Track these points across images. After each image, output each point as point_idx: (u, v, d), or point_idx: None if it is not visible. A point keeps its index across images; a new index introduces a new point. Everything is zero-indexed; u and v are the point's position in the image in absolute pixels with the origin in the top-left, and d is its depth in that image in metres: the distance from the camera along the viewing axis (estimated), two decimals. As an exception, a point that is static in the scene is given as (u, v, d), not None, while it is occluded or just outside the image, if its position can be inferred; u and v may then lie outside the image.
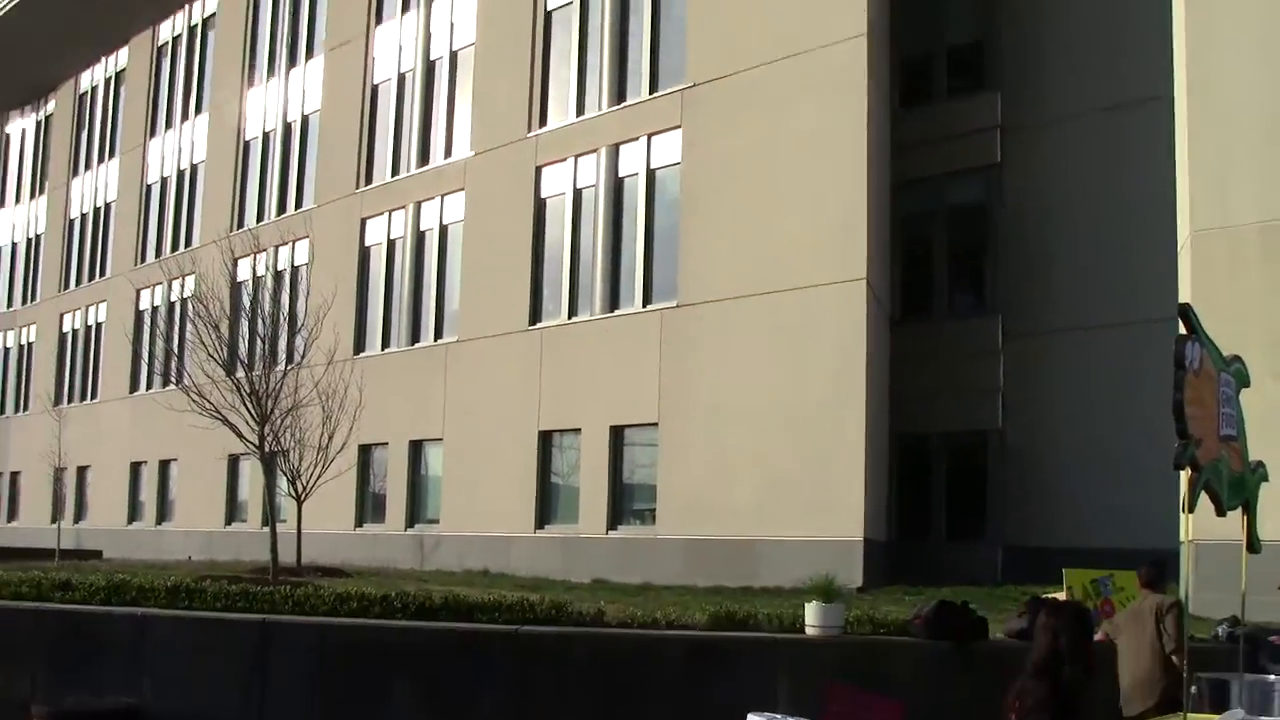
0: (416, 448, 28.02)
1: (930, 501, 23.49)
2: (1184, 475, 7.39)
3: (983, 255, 24.09)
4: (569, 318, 25.05)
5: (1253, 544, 8.76)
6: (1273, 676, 9.42)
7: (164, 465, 36.67)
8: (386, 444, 28.28)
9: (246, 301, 23.75)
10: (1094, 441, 21.61)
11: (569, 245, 25.31)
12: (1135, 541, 16.62)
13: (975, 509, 22.93)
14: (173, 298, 36.93)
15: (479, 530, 25.03)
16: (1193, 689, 9.02)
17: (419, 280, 29.05)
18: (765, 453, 20.82)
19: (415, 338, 28.87)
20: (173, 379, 26.03)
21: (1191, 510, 7.59)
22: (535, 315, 25.60)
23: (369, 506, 29.03)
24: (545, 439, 24.93)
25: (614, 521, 23.40)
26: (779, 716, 10.39)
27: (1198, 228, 17.44)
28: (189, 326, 22.94)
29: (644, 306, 23.68)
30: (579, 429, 24.17)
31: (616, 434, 23.64)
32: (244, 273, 27.45)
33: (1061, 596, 12.11)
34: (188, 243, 37.76)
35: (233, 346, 21.12)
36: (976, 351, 23.19)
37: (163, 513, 36.93)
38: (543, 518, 24.68)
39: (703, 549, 21.26)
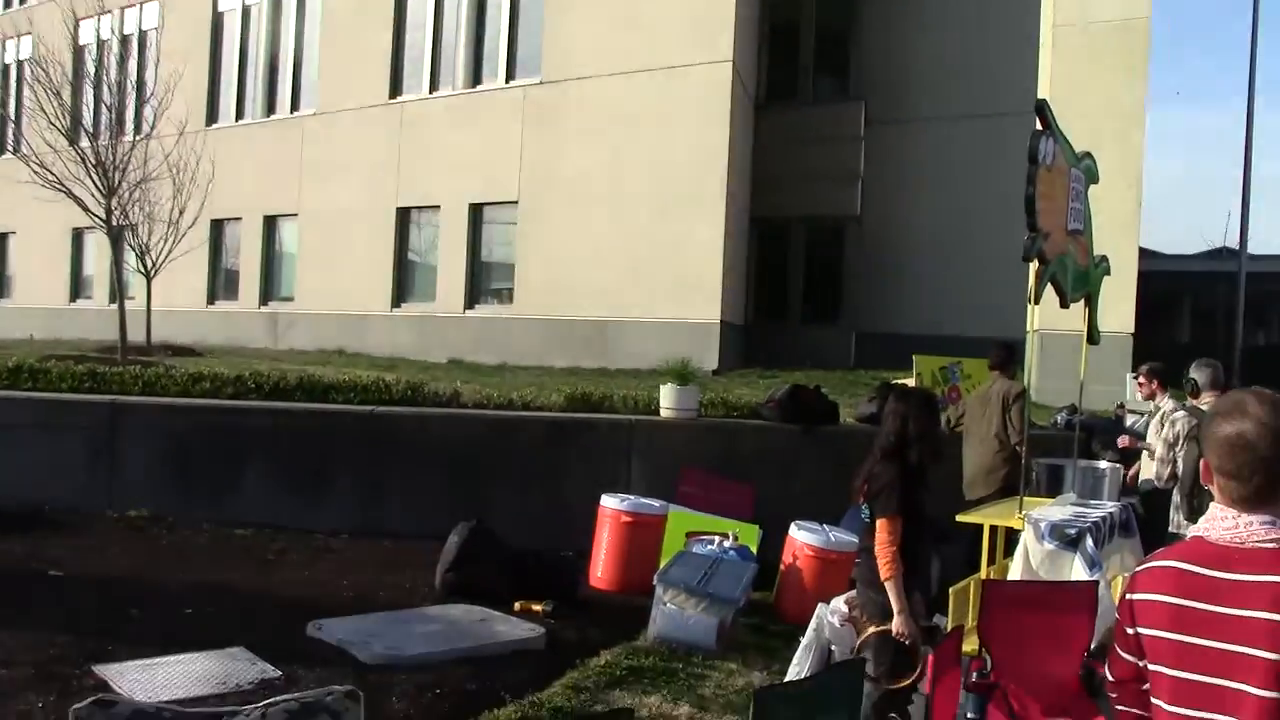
0: (271, 223, 27.37)
1: (787, 286, 23.73)
2: (1032, 267, 7.54)
3: (847, 41, 23.97)
4: (430, 92, 24.40)
5: (1093, 335, 9.03)
6: (1104, 463, 9.81)
7: (1, 238, 35.38)
8: (240, 219, 27.57)
9: (91, 67, 22.67)
10: (949, 231, 21.99)
11: (431, 17, 24.50)
12: (984, 330, 17.07)
13: (831, 294, 23.28)
14: (7, 59, 35.11)
15: (334, 309, 24.72)
16: (1032, 474, 9.40)
17: (275, 49, 27.94)
18: (625, 233, 20.73)
19: (271, 109, 27.92)
20: (9, 147, 24.98)
21: (1037, 301, 7.76)
22: (395, 89, 24.87)
23: (221, 283, 28.44)
24: (403, 216, 24.50)
25: (472, 301, 23.22)
26: (632, 498, 10.63)
27: (1058, 23, 17.56)
28: (26, 91, 21.87)
29: (507, 83, 23.14)
30: (438, 206, 23.77)
31: (476, 212, 23.30)
32: (88, 35, 26.16)
33: (911, 382, 12.40)
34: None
35: (76, 114, 20.27)
36: (839, 137, 23.21)
37: (0, 289, 35.79)
38: (399, 296, 24.40)
39: (561, 329, 21.28)
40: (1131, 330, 18.20)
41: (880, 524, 6.54)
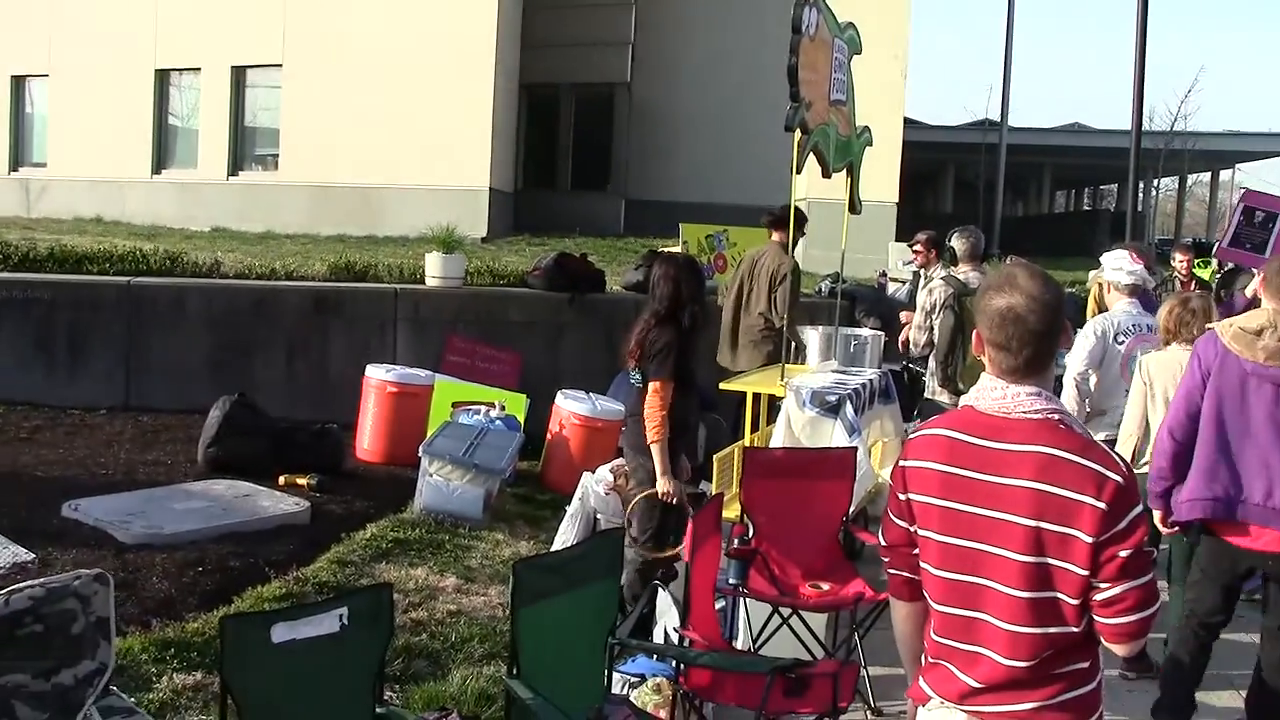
0: (19, 83, 25.74)
1: (557, 153, 23.56)
2: (795, 136, 7.54)
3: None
4: (186, -53, 23.20)
5: (854, 205, 9.12)
6: (865, 330, 9.99)
7: None
8: (-16, 79, 25.94)
9: None
10: (717, 99, 22.03)
11: None
12: (753, 199, 17.19)
13: (601, 162, 23.18)
14: None
15: (91, 175, 23.48)
16: (794, 344, 9.52)
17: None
18: (393, 98, 20.15)
19: (14, -41, 26.16)
20: None
21: (799, 171, 7.79)
22: (150, -60, 23.56)
23: (-36, 148, 26.78)
24: (163, 78, 23.34)
25: (235, 167, 22.42)
26: (398, 368, 10.47)
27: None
28: None
29: (266, -63, 22.14)
30: (199, 68, 22.73)
31: (238, 74, 22.35)
32: None
33: (677, 250, 12.44)
34: None
35: None
36: (609, 3, 22.93)
37: None
38: (160, 162, 23.35)
39: (327, 196, 20.70)
40: (895, 200, 18.61)
41: (653, 387, 6.56)
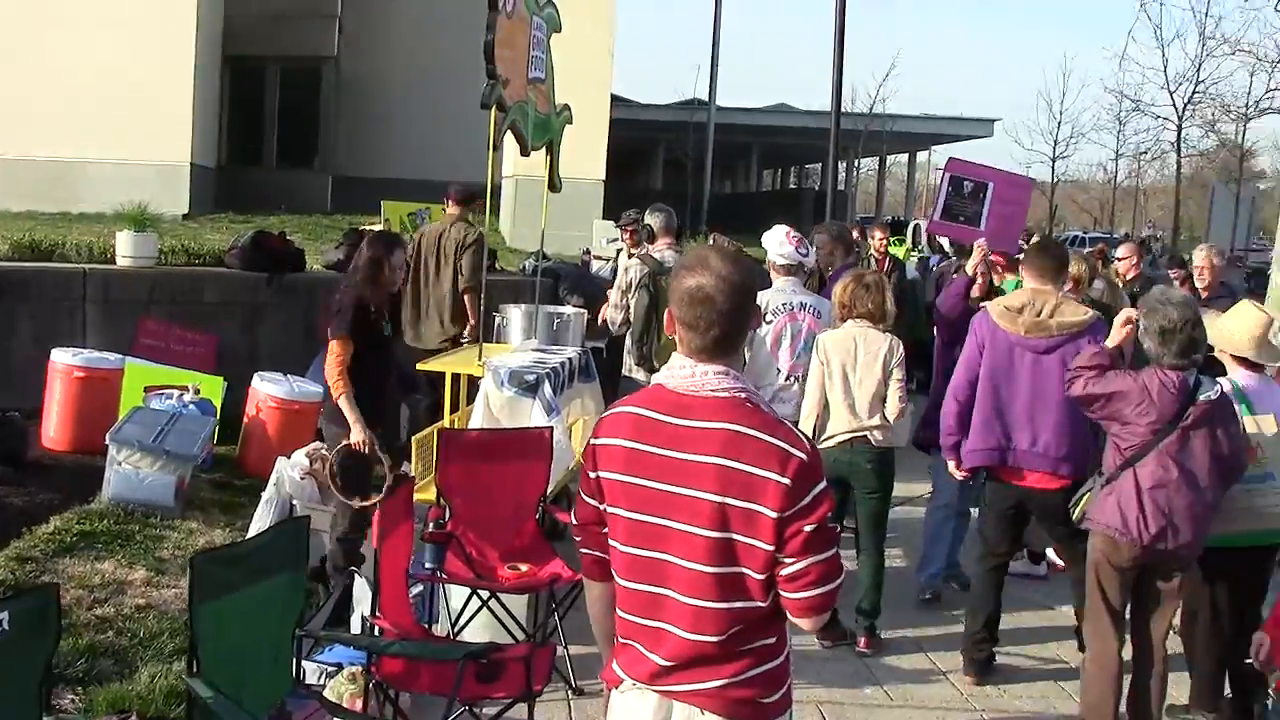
0: None
1: (263, 128, 22.97)
2: (492, 113, 7.54)
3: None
4: None
5: (553, 183, 9.17)
6: (568, 308, 10.07)
7: None
8: None
9: None
10: (423, 75, 21.88)
11: None
12: (455, 174, 17.05)
13: (307, 137, 22.74)
14: None
15: None
16: (497, 320, 9.51)
17: None
18: (88, 66, 19.11)
19: None
20: None
21: (496, 148, 7.81)
22: None
23: None
24: None
25: (-91, 138, 20.99)
26: (86, 351, 10.03)
27: None
28: None
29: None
30: None
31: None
32: None
33: (379, 227, 12.28)
34: None
35: None
36: (314, -24, 22.45)
37: None
38: None
39: (15, 170, 19.58)
40: (602, 177, 18.80)
41: (331, 345, 6.53)
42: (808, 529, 2.91)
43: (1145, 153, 50.72)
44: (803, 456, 2.93)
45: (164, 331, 10.90)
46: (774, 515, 2.90)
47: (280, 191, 20.75)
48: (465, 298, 9.67)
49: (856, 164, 52.40)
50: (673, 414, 3.03)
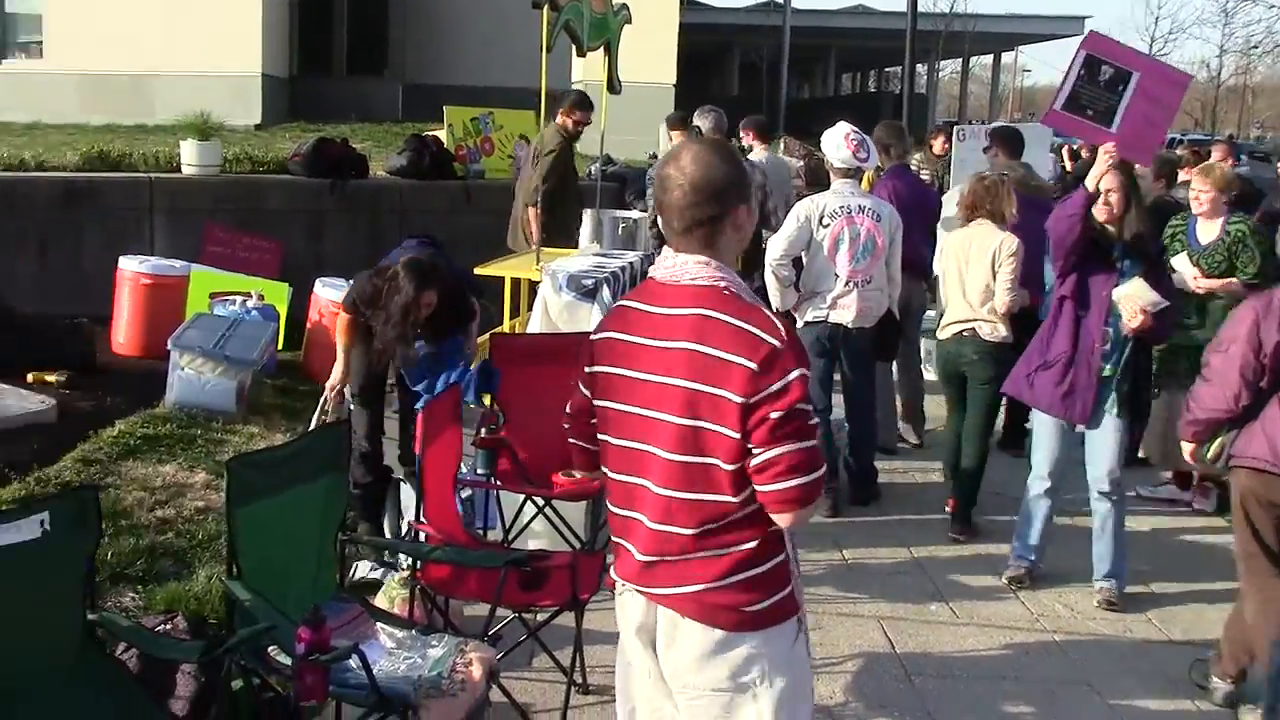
0: None
1: (332, 37, 22.84)
2: (544, 13, 7.39)
3: None
4: None
5: (612, 84, 9.01)
6: (635, 212, 9.95)
7: None
8: None
9: None
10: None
11: None
12: (525, 81, 16.93)
13: (377, 45, 22.59)
14: None
15: None
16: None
17: None
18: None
19: None
20: None
21: (549, 50, 7.65)
22: None
23: None
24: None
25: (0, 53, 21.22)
26: (153, 259, 10.09)
27: None
28: None
29: None
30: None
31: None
32: None
33: (442, 134, 12.19)
34: None
35: None
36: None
37: None
38: (-81, 53, 21.95)
39: (96, 84, 19.72)
40: (673, 81, 18.54)
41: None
42: (774, 415, 2.84)
43: (1255, 47, 48.92)
44: (774, 343, 2.86)
45: (229, 238, 10.94)
46: (739, 400, 2.84)
47: (351, 100, 20.67)
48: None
49: (937, 67, 51.36)
50: (653, 303, 3.01)
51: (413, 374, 6.30)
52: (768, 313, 2.94)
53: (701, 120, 9.25)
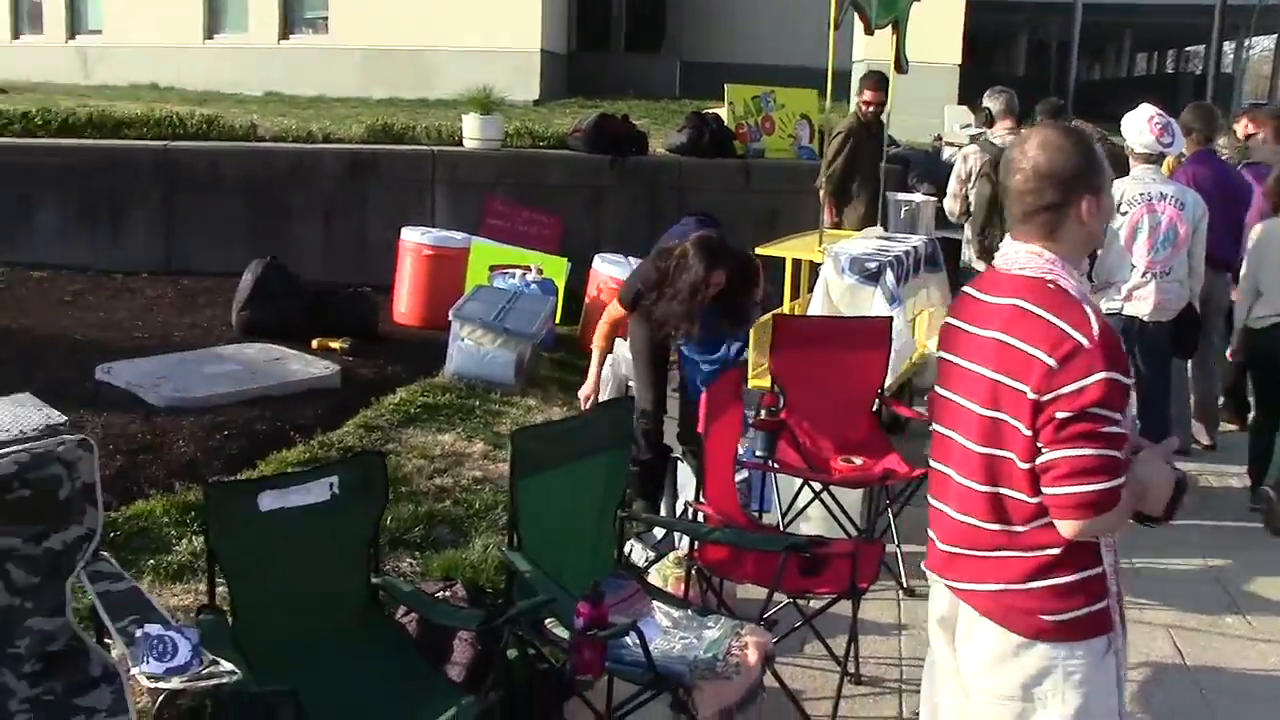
0: (73, -51, 25.46)
1: (611, 13, 23.02)
2: (833, -10, 7.20)
3: None
4: None
5: (900, 64, 8.74)
6: (917, 196, 9.70)
7: None
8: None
9: None
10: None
11: None
12: (804, 59, 16.74)
13: (655, 21, 22.67)
14: None
15: (145, 41, 23.23)
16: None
17: None
18: (444, -44, 19.76)
19: None
20: None
21: (837, 27, 7.45)
22: None
23: (24, 16, 26.42)
24: (211, -61, 23.00)
25: (286, 31, 22.12)
26: (435, 230, 10.31)
27: None
28: None
29: None
30: (246, -72, 22.35)
31: (286, -66, 22.01)
32: None
33: (723, 112, 12.10)
34: None
35: None
36: None
37: None
38: (212, 27, 23.05)
39: (378, 59, 20.39)
40: (958, 61, 18.05)
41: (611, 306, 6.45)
42: (1060, 415, 2.71)
43: None
44: (1080, 341, 2.70)
45: (509, 212, 11.09)
46: (1032, 396, 2.74)
47: (628, 77, 20.80)
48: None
49: (1247, 44, 48.64)
50: (984, 290, 2.95)
51: (692, 347, 6.22)
52: (1089, 311, 2.78)
53: (992, 102, 8.90)
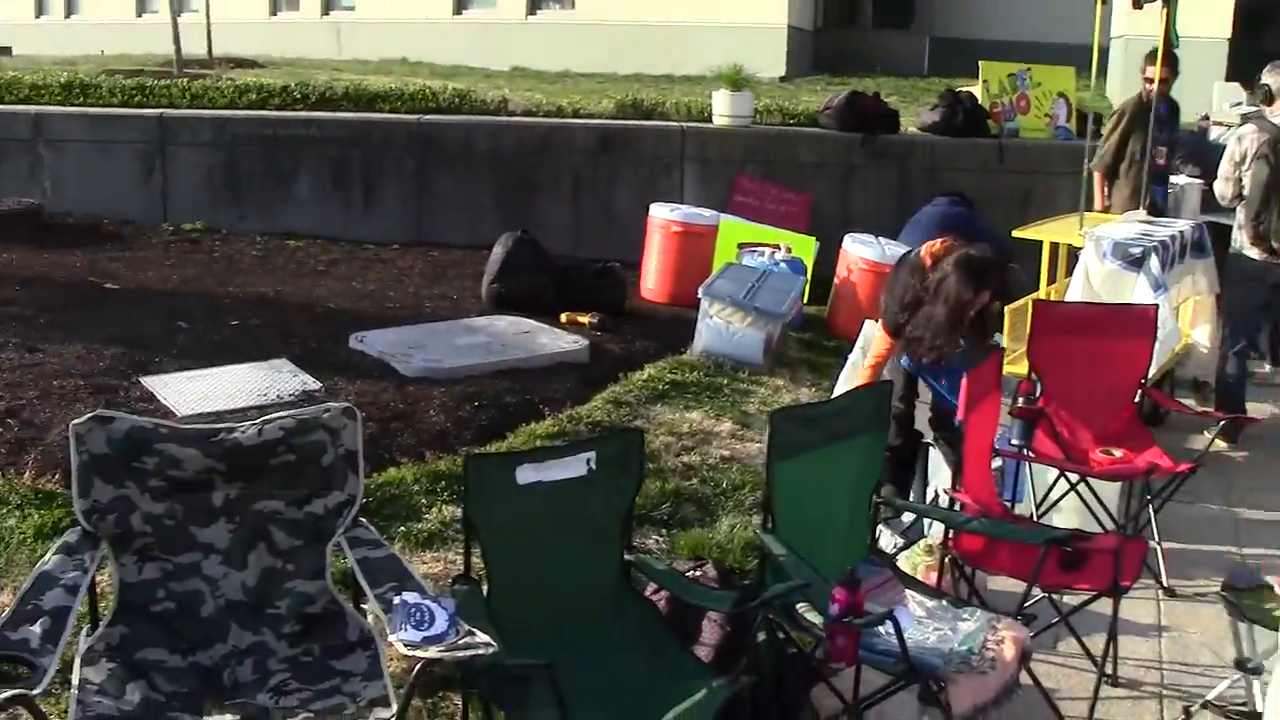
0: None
1: (858, -11, 22.74)
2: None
3: None
4: None
5: (1171, 39, 8.38)
6: (1183, 177, 9.33)
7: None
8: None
9: None
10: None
11: None
12: (1060, 35, 16.21)
13: (904, -2, 22.30)
14: None
15: (396, 17, 23.94)
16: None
17: None
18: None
19: None
20: None
21: (1105, 2, 7.18)
22: None
23: (282, -6, 27.55)
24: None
25: (534, 6, 22.46)
26: (683, 207, 10.33)
27: None
28: None
29: None
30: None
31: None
32: None
33: (977, 90, 11.82)
34: None
35: None
36: None
37: (70, 4, 34.89)
38: (461, 2, 23.61)
39: (625, 34, 20.54)
40: (1228, 35, 17.22)
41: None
42: None
43: None
44: None
45: (759, 189, 11.04)
46: None
47: (876, 53, 20.49)
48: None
49: None
50: None
51: (940, 372, 5.86)
52: None
53: (1272, 77, 8.40)
